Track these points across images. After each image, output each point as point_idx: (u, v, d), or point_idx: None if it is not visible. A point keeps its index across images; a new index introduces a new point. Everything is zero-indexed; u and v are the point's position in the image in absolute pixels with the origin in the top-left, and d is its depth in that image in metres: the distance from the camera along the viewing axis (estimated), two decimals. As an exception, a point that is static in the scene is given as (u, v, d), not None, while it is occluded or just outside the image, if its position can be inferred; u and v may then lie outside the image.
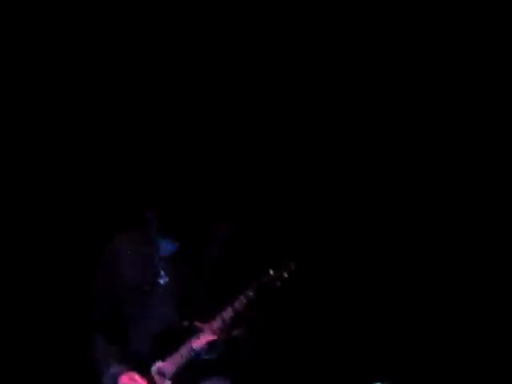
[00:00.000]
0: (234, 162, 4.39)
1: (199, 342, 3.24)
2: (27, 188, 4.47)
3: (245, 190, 4.36)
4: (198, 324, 3.25)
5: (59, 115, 4.46)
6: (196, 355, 3.26)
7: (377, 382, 4.46)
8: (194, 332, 3.25)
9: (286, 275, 3.28)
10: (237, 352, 3.32)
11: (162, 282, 3.36)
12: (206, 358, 3.27)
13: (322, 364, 4.35)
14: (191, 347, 3.25)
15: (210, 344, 3.24)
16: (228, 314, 3.24)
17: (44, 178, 4.48)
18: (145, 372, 3.32)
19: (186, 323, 3.27)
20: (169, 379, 3.27)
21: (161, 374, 3.28)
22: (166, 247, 3.40)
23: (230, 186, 4.34)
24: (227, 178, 4.34)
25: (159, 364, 3.30)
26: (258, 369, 3.62)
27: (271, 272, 3.29)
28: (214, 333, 3.23)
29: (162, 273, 3.37)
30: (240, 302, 3.23)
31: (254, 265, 3.37)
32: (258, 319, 3.31)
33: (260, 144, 4.40)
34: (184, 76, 4.41)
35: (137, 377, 3.31)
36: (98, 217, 4.40)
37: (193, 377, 3.29)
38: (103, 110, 4.45)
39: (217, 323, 3.24)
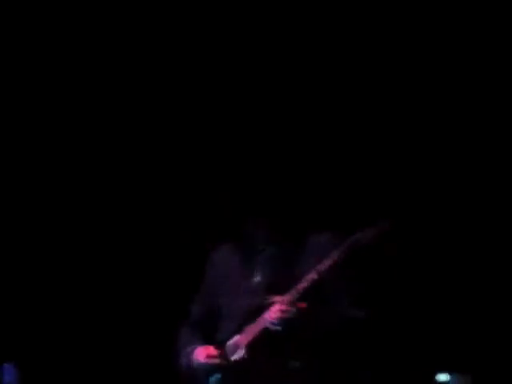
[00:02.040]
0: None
1: (270, 312, 3.24)
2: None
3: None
4: (274, 298, 3.26)
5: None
6: (268, 326, 3.25)
7: (442, 372, 4.46)
8: (270, 306, 3.26)
9: (380, 234, 3.23)
10: (307, 326, 3.30)
11: (256, 280, 3.41)
12: (277, 329, 3.24)
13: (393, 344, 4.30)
14: (263, 318, 3.26)
15: (280, 315, 3.22)
16: (303, 284, 3.24)
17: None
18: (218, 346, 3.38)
19: (266, 300, 3.29)
20: (242, 349, 3.28)
21: (235, 345, 3.31)
22: (266, 253, 3.45)
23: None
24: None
25: (235, 337, 3.33)
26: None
27: (358, 234, 3.25)
28: (285, 304, 3.23)
29: (257, 272, 3.42)
30: (319, 269, 3.22)
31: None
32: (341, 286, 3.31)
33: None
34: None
35: (211, 348, 3.36)
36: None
37: (266, 349, 3.29)
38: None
39: (291, 294, 3.24)
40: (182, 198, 4.61)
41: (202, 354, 3.35)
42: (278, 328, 3.22)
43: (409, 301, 4.33)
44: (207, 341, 3.44)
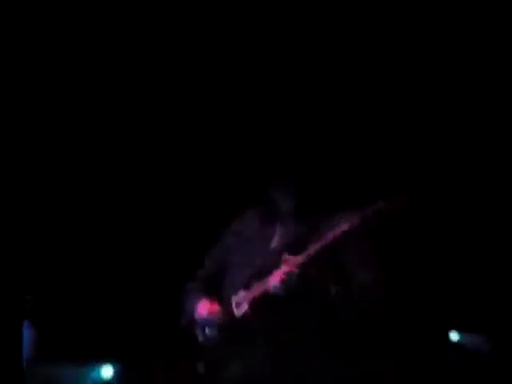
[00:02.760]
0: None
1: (276, 274, 3.21)
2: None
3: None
4: (285, 257, 3.25)
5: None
6: (271, 288, 3.22)
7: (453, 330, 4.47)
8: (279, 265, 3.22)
9: (382, 209, 3.18)
10: (313, 290, 3.31)
11: (272, 245, 3.37)
12: (278, 292, 3.22)
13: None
14: (269, 278, 3.23)
15: (285, 277, 3.19)
16: (316, 247, 3.19)
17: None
18: (222, 302, 3.36)
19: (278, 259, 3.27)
20: (246, 304, 3.26)
21: (239, 300, 3.28)
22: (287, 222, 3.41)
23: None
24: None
25: (241, 293, 3.30)
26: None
27: (370, 208, 3.19)
28: (294, 266, 3.22)
29: (275, 239, 3.37)
30: (329, 237, 3.18)
31: None
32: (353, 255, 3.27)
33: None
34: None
35: (215, 304, 3.35)
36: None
37: (270, 306, 3.25)
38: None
39: (302, 256, 3.20)
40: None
41: (206, 308, 3.34)
42: (279, 292, 3.20)
43: (420, 262, 4.32)
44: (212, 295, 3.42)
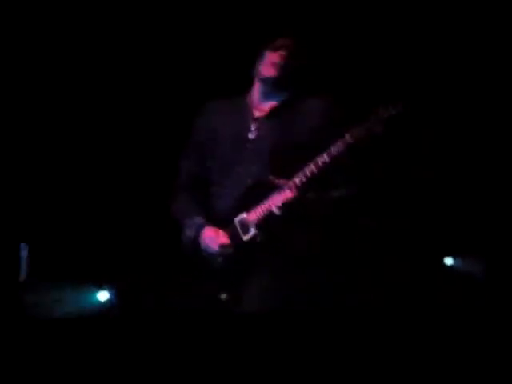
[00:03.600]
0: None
1: (276, 198, 3.21)
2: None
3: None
4: (279, 181, 3.23)
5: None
6: (273, 211, 3.23)
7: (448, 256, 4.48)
8: (277, 189, 3.21)
9: (386, 117, 3.13)
10: (311, 215, 3.30)
11: (251, 136, 3.32)
12: (282, 214, 3.22)
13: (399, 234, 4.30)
14: (269, 203, 3.22)
15: (286, 201, 3.20)
16: (311, 168, 3.16)
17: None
18: (226, 225, 3.30)
19: (271, 178, 3.25)
20: (252, 228, 3.26)
21: (244, 224, 3.26)
22: (262, 109, 3.36)
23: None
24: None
25: (242, 215, 3.27)
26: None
27: (379, 112, 3.14)
28: (292, 190, 3.21)
29: (253, 128, 3.33)
30: (331, 151, 3.14)
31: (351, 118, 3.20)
32: (351, 172, 3.24)
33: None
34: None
35: (221, 232, 3.28)
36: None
37: (274, 230, 3.26)
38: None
39: (298, 179, 3.18)
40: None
41: (213, 240, 3.27)
42: (283, 213, 3.19)
43: (415, 183, 4.30)
44: (203, 206, 3.37)
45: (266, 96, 3.36)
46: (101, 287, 4.64)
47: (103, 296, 4.70)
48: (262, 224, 3.23)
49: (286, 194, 3.18)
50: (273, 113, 3.34)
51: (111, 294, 4.66)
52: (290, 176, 3.20)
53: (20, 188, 4.40)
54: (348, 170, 3.23)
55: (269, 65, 3.30)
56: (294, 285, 3.21)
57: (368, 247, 4.29)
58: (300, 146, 3.26)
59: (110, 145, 4.56)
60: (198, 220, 3.33)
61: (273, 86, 3.33)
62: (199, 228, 3.31)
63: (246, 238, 3.25)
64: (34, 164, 4.44)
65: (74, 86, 4.47)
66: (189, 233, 3.33)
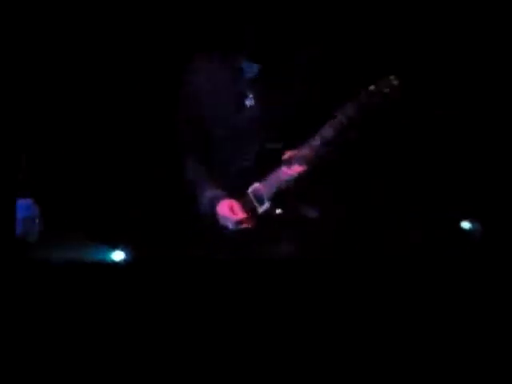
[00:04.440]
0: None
1: (289, 172, 3.19)
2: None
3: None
4: (288, 154, 3.19)
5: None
6: (287, 182, 3.21)
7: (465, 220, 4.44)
8: (287, 161, 3.20)
9: (387, 90, 3.09)
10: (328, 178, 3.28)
11: (248, 103, 3.29)
12: (295, 186, 3.22)
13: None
14: (281, 177, 3.20)
15: (300, 175, 3.19)
16: (320, 137, 3.14)
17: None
18: (239, 196, 3.28)
19: (278, 145, 3.22)
20: (267, 200, 3.24)
21: (258, 195, 3.24)
22: (251, 68, 3.30)
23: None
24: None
25: (256, 186, 3.25)
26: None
27: (371, 88, 3.11)
28: (302, 162, 3.17)
29: (249, 94, 3.29)
30: (335, 123, 3.11)
31: (349, 82, 3.24)
32: (353, 140, 3.20)
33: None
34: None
35: (235, 206, 3.26)
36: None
37: (289, 201, 3.25)
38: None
39: (307, 150, 3.16)
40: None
41: (229, 215, 3.24)
42: (295, 187, 3.20)
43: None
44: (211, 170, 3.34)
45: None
46: (115, 247, 4.64)
47: (118, 256, 4.70)
48: (275, 197, 3.21)
49: (295, 169, 3.15)
50: (265, 71, 3.28)
51: (126, 254, 4.66)
52: (291, 139, 3.19)
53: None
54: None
55: None
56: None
57: (382, 211, 4.25)
58: (298, 105, 3.26)
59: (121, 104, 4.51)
60: (211, 193, 3.30)
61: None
62: (213, 203, 3.29)
63: (260, 210, 3.23)
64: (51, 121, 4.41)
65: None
66: (203, 209, 3.32)
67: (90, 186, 4.54)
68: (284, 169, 3.18)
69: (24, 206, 4.21)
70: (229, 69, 3.31)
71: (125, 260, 4.63)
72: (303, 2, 3.53)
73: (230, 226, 3.24)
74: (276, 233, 3.22)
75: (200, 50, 3.42)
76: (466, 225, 4.47)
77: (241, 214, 3.23)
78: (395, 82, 3.11)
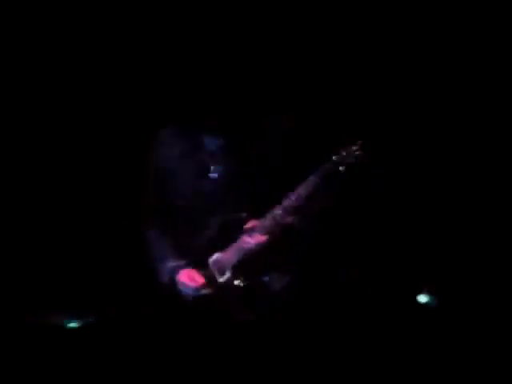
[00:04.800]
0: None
1: (251, 242, 3.22)
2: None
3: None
4: (250, 224, 3.23)
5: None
6: (250, 249, 3.24)
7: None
8: (249, 230, 3.23)
9: (350, 160, 3.18)
10: (292, 245, 3.31)
11: (212, 175, 3.33)
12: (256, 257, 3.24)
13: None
14: (243, 247, 3.23)
15: (261, 245, 3.22)
16: (282, 208, 3.19)
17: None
18: (201, 266, 3.30)
19: (241, 215, 3.25)
20: (228, 271, 3.26)
21: (219, 265, 3.26)
22: (212, 142, 3.35)
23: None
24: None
25: (217, 255, 3.27)
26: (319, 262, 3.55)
27: (334, 158, 3.19)
28: (264, 233, 3.20)
29: (212, 168, 3.34)
30: (299, 192, 3.17)
31: (312, 154, 3.30)
32: (317, 207, 3.26)
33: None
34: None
35: (196, 274, 3.28)
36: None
37: (251, 270, 3.27)
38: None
39: (268, 221, 3.20)
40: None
41: (189, 282, 3.27)
42: (257, 255, 3.22)
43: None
44: (175, 244, 3.36)
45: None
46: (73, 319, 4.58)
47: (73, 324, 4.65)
48: (236, 267, 3.23)
49: (257, 239, 3.19)
50: (228, 143, 3.34)
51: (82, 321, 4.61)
52: (254, 209, 3.24)
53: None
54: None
55: None
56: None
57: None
58: (263, 175, 3.31)
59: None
60: (172, 263, 3.33)
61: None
62: (173, 273, 3.32)
63: (221, 279, 3.24)
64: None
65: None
66: (164, 278, 3.34)
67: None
68: (246, 239, 3.21)
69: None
70: (191, 143, 3.35)
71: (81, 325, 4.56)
72: (266, 76, 3.63)
73: (191, 292, 3.25)
74: (236, 300, 3.23)
75: (163, 125, 3.48)
76: (422, 298, 4.50)
77: (200, 281, 3.23)
78: (358, 152, 3.17)
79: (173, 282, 3.29)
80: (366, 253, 4.14)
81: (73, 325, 4.55)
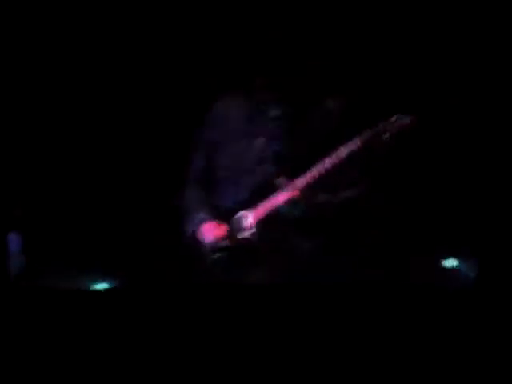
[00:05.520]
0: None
1: (280, 197, 3.24)
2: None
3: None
4: (283, 180, 3.25)
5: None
6: (278, 209, 3.25)
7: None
8: (282, 189, 3.25)
9: (395, 130, 3.19)
10: (318, 215, 3.31)
11: (263, 137, 3.36)
12: (287, 214, 3.26)
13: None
14: (273, 200, 3.26)
15: (291, 201, 3.23)
16: (318, 169, 3.22)
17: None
18: (227, 221, 3.34)
19: (277, 180, 3.27)
20: (252, 227, 3.28)
21: (241, 222, 3.30)
22: (271, 112, 3.39)
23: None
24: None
25: (243, 212, 3.30)
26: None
27: (380, 125, 3.20)
28: (296, 190, 3.22)
29: (265, 129, 3.37)
30: (336, 156, 3.19)
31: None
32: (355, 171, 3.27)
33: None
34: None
35: (219, 227, 3.32)
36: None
37: (276, 230, 3.29)
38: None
39: (301, 181, 3.22)
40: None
41: (210, 232, 3.33)
42: (287, 212, 3.24)
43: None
44: (212, 208, 3.40)
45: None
46: (101, 279, 4.62)
47: (102, 286, 4.69)
48: (260, 223, 3.24)
49: (288, 195, 3.19)
50: (284, 112, 3.37)
51: (110, 283, 4.65)
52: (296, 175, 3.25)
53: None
54: (357, 172, 3.26)
55: None
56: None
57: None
58: (312, 147, 3.30)
59: (111, 134, 4.53)
60: (200, 215, 3.38)
61: None
62: (200, 222, 3.36)
63: (241, 235, 3.27)
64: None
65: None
66: (190, 227, 3.38)
67: (74, 215, 4.54)
68: (278, 195, 3.24)
69: (9, 240, 4.24)
70: (248, 112, 3.41)
71: (109, 288, 4.61)
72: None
73: (209, 240, 3.30)
74: (254, 258, 3.25)
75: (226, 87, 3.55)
76: (449, 263, 4.49)
77: (221, 232, 3.29)
78: (406, 121, 3.18)
79: (195, 233, 3.34)
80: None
81: (100, 287, 4.61)
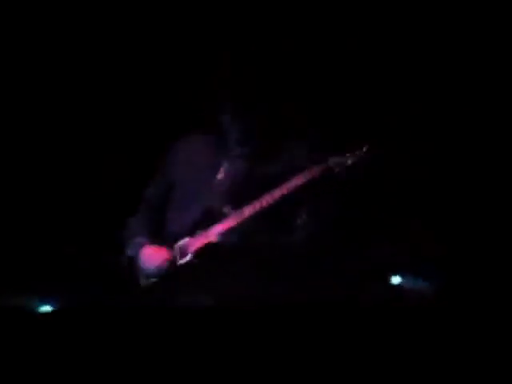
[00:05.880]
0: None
1: (220, 226, 3.24)
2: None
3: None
4: (228, 210, 3.24)
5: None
6: (217, 239, 3.26)
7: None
8: (224, 217, 3.26)
9: (349, 162, 3.22)
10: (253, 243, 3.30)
11: (220, 176, 3.36)
12: (223, 242, 3.25)
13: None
14: (215, 228, 3.26)
15: (231, 230, 3.23)
16: (265, 200, 3.23)
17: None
18: (170, 247, 3.34)
19: (224, 208, 3.27)
20: (190, 254, 3.27)
21: (183, 248, 3.29)
22: (235, 152, 3.39)
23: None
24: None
25: (185, 240, 3.30)
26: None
27: (330, 159, 3.23)
28: (237, 220, 3.20)
29: (221, 170, 3.37)
30: (285, 187, 3.20)
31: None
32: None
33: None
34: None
35: (159, 251, 3.31)
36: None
37: (213, 257, 3.27)
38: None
39: (248, 209, 3.22)
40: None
41: (149, 257, 3.31)
42: (225, 242, 3.23)
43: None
44: (155, 234, 3.40)
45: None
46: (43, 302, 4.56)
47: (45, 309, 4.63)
48: (199, 251, 3.22)
49: (228, 223, 3.17)
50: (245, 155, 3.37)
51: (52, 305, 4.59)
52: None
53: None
54: (304, 211, 3.25)
55: None
56: None
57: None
58: (261, 184, 3.31)
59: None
60: (140, 239, 3.37)
61: None
62: (139, 246, 3.35)
63: (180, 262, 3.25)
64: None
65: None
66: (128, 252, 3.37)
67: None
68: (219, 223, 3.26)
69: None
70: (211, 150, 3.43)
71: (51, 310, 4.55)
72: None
73: (150, 266, 3.29)
74: (195, 283, 3.23)
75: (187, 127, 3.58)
76: (395, 280, 4.48)
77: (160, 257, 3.27)
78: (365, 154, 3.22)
79: (135, 257, 3.33)
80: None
81: (45, 309, 4.55)
